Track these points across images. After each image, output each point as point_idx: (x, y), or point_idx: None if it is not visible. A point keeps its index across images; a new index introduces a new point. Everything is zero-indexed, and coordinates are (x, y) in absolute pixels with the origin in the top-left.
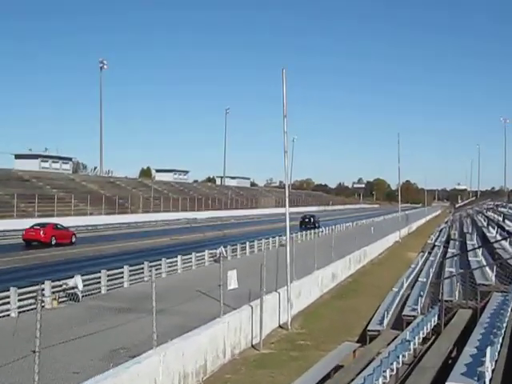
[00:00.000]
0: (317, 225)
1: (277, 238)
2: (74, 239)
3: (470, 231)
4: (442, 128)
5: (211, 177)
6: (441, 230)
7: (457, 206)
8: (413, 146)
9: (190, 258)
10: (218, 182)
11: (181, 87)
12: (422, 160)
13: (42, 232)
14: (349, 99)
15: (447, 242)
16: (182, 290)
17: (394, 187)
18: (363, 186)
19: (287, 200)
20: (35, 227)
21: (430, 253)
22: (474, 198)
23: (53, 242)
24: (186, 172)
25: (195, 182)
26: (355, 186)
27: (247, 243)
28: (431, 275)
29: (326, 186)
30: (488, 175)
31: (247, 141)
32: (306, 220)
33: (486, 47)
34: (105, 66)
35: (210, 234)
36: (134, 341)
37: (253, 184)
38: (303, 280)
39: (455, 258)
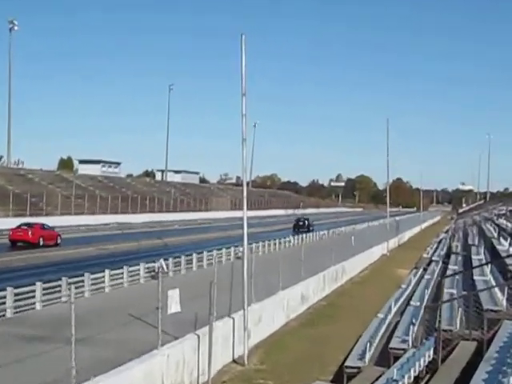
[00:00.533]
0: (311, 228)
1: (232, 248)
2: (59, 240)
3: (477, 243)
4: (441, 113)
5: (149, 170)
6: (439, 242)
7: (460, 210)
8: (406, 136)
9: (122, 274)
10: (159, 176)
11: (111, 58)
12: (418, 153)
13: (30, 232)
14: (326, 73)
15: (447, 256)
16: (111, 313)
17: (381, 186)
18: (343, 184)
19: (245, 201)
20: (22, 227)
21: (425, 270)
22: (481, 202)
23: (41, 243)
24: (118, 164)
25: (129, 176)
26: (333, 184)
27: (194, 255)
28: (426, 298)
29: (295, 184)
30: (500, 173)
31: (196, 126)
32: (300, 223)
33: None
34: (15, 27)
35: (148, 242)
36: (47, 378)
37: (203, 180)
38: (264, 302)
39: (457, 277)
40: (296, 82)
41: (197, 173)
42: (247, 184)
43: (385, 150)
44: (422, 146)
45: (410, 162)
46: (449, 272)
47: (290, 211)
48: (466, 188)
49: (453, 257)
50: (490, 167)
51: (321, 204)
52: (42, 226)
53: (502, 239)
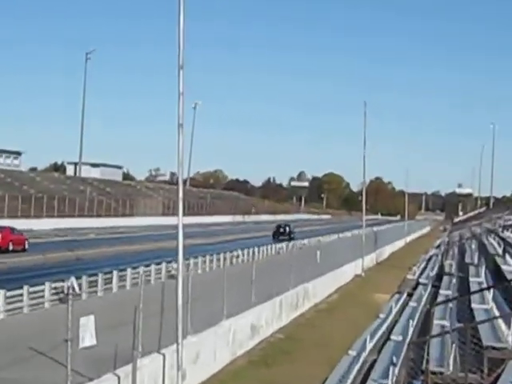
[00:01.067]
0: (292, 236)
1: (164, 264)
2: (27, 245)
3: (476, 262)
4: (433, 98)
5: (59, 163)
6: (429, 259)
7: (456, 220)
8: (388, 126)
9: (21, 295)
10: (70, 171)
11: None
12: (403, 147)
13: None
14: (286, 42)
15: (438, 278)
16: (6, 346)
17: (355, 187)
18: (306, 184)
19: (181, 204)
20: None
21: (410, 295)
22: (483, 209)
23: (10, 248)
24: (18, 154)
25: (32, 170)
26: (293, 184)
27: (115, 273)
28: (411, 331)
29: (246, 182)
30: (506, 173)
31: (119, 108)
32: (281, 230)
33: None
34: None
35: (55, 255)
36: None
37: (127, 176)
38: (204, 334)
39: (450, 305)
40: (248, 53)
41: (120, 167)
42: (184, 182)
43: (361, 141)
44: (409, 139)
45: (393, 158)
46: (440, 298)
47: (238, 218)
48: (464, 191)
49: (445, 279)
50: (494, 165)
51: (278, 209)
52: (12, 230)
53: (508, 257)
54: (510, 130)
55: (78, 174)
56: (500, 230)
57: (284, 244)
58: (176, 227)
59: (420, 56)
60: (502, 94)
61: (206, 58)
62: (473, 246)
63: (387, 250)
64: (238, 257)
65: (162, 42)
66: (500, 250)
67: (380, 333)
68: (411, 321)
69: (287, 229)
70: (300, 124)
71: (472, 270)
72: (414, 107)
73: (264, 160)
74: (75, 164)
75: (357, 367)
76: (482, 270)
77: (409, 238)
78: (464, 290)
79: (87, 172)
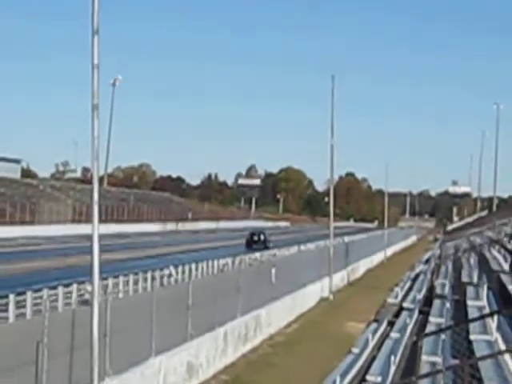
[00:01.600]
0: (268, 245)
1: (74, 286)
2: None
3: (476, 281)
4: (419, 75)
5: None
6: (415, 278)
7: (450, 227)
8: (362, 109)
9: None
10: None
11: None
12: (382, 136)
13: None
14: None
15: (428, 301)
16: None
17: (321, 186)
18: (258, 182)
19: (96, 209)
20: None
21: (391, 324)
22: (484, 213)
23: None
24: None
25: None
26: (241, 182)
27: (11, 297)
28: (393, 371)
29: (180, 180)
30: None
31: (16, 86)
32: (255, 238)
33: None
34: None
35: None
36: None
37: (28, 173)
38: (127, 376)
39: (443, 336)
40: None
41: (18, 161)
42: (100, 180)
43: (327, 127)
44: (389, 125)
45: (370, 150)
46: (430, 328)
47: (170, 226)
48: (460, 191)
49: (437, 303)
50: (498, 156)
51: (221, 215)
52: None
53: None
54: None
55: None
56: (506, 239)
57: (229, 259)
58: (90, 238)
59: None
60: (502, 76)
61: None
62: (471, 261)
63: (362, 267)
64: (170, 276)
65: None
66: (506, 266)
67: (353, 373)
68: (393, 357)
69: (262, 237)
70: (248, 108)
71: (471, 291)
72: (397, 91)
73: (203, 152)
74: None
75: None
76: (484, 291)
77: (389, 251)
78: (460, 317)
79: None
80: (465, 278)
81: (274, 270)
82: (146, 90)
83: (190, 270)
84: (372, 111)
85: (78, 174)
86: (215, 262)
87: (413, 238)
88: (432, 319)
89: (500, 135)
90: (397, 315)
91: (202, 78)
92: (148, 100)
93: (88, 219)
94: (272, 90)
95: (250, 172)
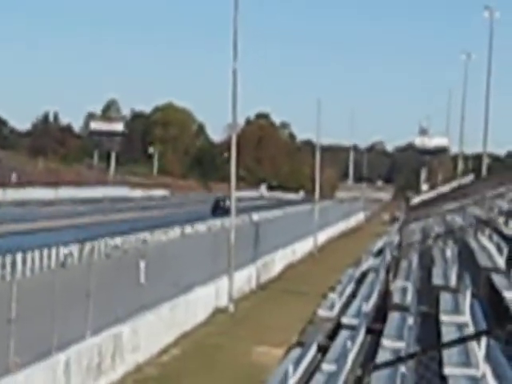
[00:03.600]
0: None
1: None
2: None
3: (455, 283)
4: None
5: None
6: (361, 278)
7: (415, 199)
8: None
9: None
10: None
11: None
12: (312, 69)
13: None
14: None
15: (379, 316)
16: None
17: (217, 135)
18: (120, 128)
19: None
20: None
21: (323, 349)
22: (468, 179)
23: None
24: None
25: None
26: (94, 127)
27: None
28: None
29: (0, 123)
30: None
31: None
32: (221, 204)
33: None
34: None
35: None
36: None
37: None
38: None
39: (402, 369)
40: None
41: None
42: None
43: (228, 49)
44: (323, 55)
45: (295, 85)
46: (383, 355)
47: None
48: (432, 144)
49: (394, 318)
50: (490, 95)
51: (63, 177)
52: None
53: None
54: None
55: None
56: (501, 220)
57: (75, 247)
58: None
59: None
60: None
61: None
62: (448, 253)
63: (279, 260)
64: None
65: None
66: (501, 261)
67: None
68: None
69: (228, 203)
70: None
71: (446, 300)
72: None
73: (35, 80)
74: None
75: None
76: (467, 300)
77: (322, 237)
78: (430, 339)
79: None
80: (437, 280)
81: (143, 265)
82: None
83: (14, 263)
84: (299, 34)
85: None
86: (53, 252)
87: (359, 217)
88: (386, 343)
89: (494, 57)
90: (332, 336)
91: None
92: None
93: None
94: None
95: (109, 111)
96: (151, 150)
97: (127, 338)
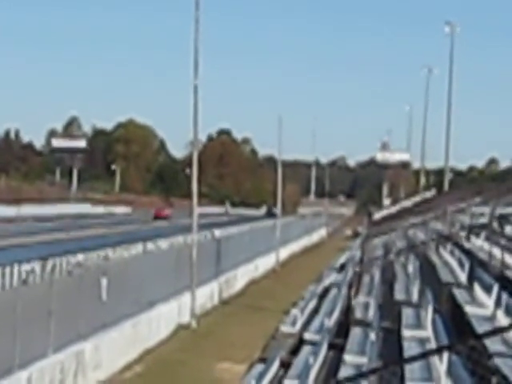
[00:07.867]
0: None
1: None
2: None
3: (416, 299)
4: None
5: None
6: (323, 294)
7: (377, 215)
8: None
9: None
10: None
11: None
12: (274, 85)
13: None
14: None
15: (342, 330)
16: None
17: (178, 151)
18: (82, 145)
19: None
20: None
21: (286, 365)
22: (430, 193)
23: None
24: None
25: None
26: (56, 144)
27: None
28: None
29: None
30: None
31: None
32: (271, 210)
33: None
34: None
35: None
36: None
37: None
38: None
39: None
40: None
41: None
42: None
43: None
44: (284, 71)
45: (256, 101)
46: (345, 371)
47: None
48: (394, 159)
49: (356, 333)
50: (451, 107)
51: (25, 194)
52: None
53: (478, 288)
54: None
55: None
56: (462, 234)
57: (37, 264)
58: None
59: None
60: None
61: None
62: (410, 268)
63: (242, 276)
64: None
65: None
66: (463, 277)
67: None
68: None
69: (274, 210)
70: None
71: (408, 315)
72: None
73: None
74: None
75: None
76: (429, 315)
77: (284, 252)
78: (392, 354)
79: None
80: (399, 295)
81: (104, 282)
82: None
83: None
84: (259, 54)
85: None
86: (15, 269)
87: (321, 232)
88: (348, 358)
89: (455, 72)
90: (295, 351)
91: None
92: None
93: None
94: None
95: (71, 128)
96: (113, 166)
97: (89, 355)
